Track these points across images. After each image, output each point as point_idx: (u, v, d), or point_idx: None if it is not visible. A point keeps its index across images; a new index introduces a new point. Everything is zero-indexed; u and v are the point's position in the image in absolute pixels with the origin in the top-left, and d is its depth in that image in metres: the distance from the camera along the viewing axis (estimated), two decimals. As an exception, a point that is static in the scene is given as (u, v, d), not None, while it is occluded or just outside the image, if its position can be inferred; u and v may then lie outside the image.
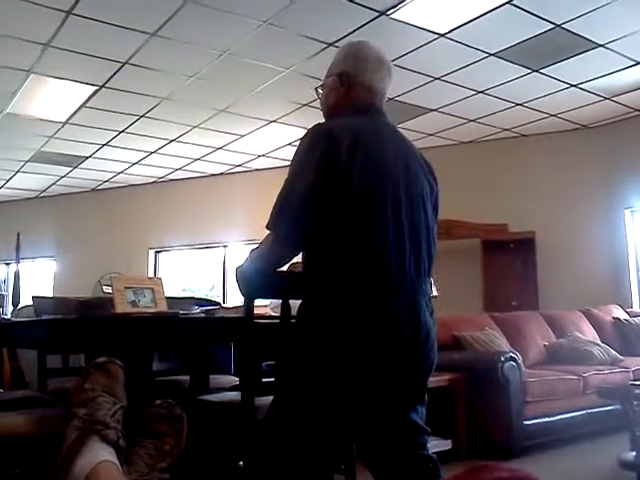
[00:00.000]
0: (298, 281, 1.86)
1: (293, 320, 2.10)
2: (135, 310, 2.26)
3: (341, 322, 1.63)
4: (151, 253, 9.49)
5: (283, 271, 2.10)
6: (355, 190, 1.65)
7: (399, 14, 4.49)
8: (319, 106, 2.02)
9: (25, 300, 3.92)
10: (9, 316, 3.14)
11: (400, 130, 1.92)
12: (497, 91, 6.05)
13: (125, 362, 1.73)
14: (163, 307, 2.39)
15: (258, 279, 1.95)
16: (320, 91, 1.99)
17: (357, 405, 1.67)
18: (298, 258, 2.03)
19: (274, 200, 1.73)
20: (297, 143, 1.76)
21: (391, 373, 1.66)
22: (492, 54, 5.21)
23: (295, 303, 2.12)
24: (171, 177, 9.21)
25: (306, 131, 1.77)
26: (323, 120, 1.91)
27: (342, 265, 1.66)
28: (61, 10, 4.32)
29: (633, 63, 5.44)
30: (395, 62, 4.82)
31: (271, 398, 2.12)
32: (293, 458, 1.65)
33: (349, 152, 1.66)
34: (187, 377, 2.76)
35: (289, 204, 1.69)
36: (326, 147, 1.67)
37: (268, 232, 1.76)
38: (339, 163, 1.65)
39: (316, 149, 1.69)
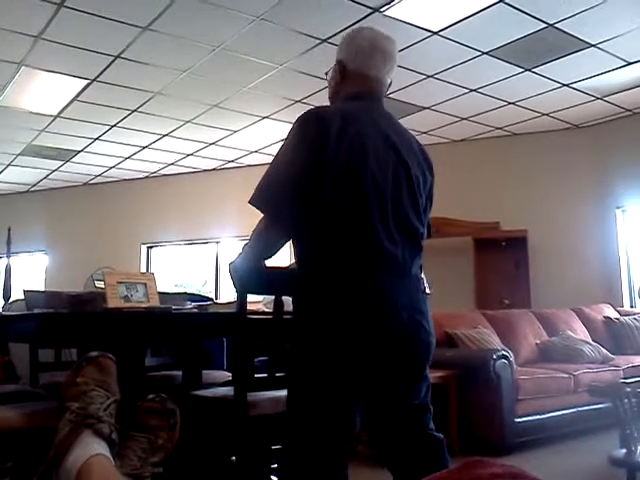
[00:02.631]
0: (291, 277, 1.86)
1: (286, 316, 2.11)
2: (128, 305, 2.25)
3: (338, 303, 1.66)
4: (143, 248, 9.46)
5: (275, 267, 2.11)
6: (341, 173, 1.68)
7: (392, 11, 4.49)
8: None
9: (16, 294, 3.90)
10: (0, 310, 3.13)
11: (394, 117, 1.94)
12: (489, 89, 6.07)
13: (118, 357, 1.72)
14: (156, 302, 2.38)
15: (250, 275, 1.96)
16: (329, 75, 2.03)
17: (361, 384, 1.69)
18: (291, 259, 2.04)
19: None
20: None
21: (390, 352, 1.68)
22: (485, 52, 5.22)
23: (288, 299, 2.12)
24: (163, 172, 9.18)
25: (299, 115, 1.80)
26: None
27: (333, 248, 1.68)
28: (53, 2, 4.28)
29: (624, 63, 5.47)
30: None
31: (264, 393, 2.14)
32: (310, 447, 1.68)
33: (338, 135, 1.69)
34: (180, 372, 2.76)
35: (279, 180, 1.72)
36: (316, 130, 1.71)
37: (258, 221, 1.77)
38: (328, 146, 1.68)
39: (307, 131, 1.73)
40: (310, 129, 1.73)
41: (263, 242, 1.81)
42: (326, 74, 2.05)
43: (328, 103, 2.03)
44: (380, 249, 1.68)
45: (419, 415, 1.79)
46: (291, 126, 1.79)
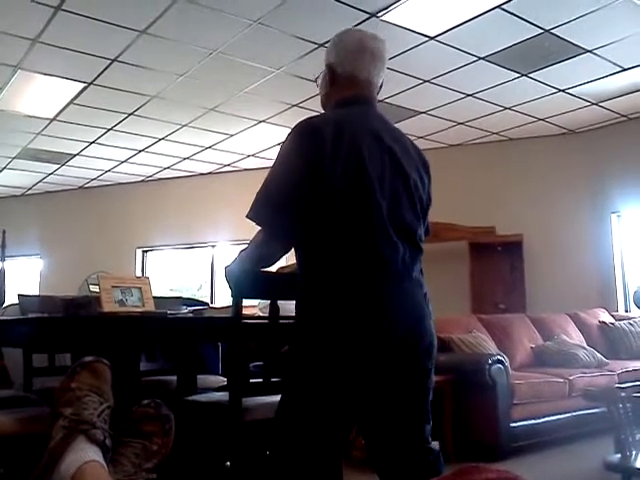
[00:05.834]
0: (287, 282, 1.86)
1: (282, 321, 2.10)
2: (122, 309, 2.25)
3: (339, 312, 1.65)
4: (139, 252, 9.44)
5: (271, 271, 2.10)
6: (338, 184, 1.67)
7: (390, 16, 4.49)
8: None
9: (10, 298, 3.89)
10: (-6, 314, 3.11)
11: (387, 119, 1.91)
12: (486, 94, 6.08)
13: (112, 362, 1.71)
14: (151, 307, 2.38)
15: (245, 279, 1.95)
16: (319, 81, 2.01)
17: (360, 390, 1.68)
18: (284, 261, 2.03)
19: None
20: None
21: (391, 362, 1.68)
22: (481, 58, 5.23)
23: (283, 304, 2.12)
24: (159, 176, 9.16)
25: (293, 126, 1.79)
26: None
27: (332, 257, 1.68)
28: (50, 5, 4.28)
29: (620, 69, 5.49)
30: (385, 64, 4.82)
31: (259, 398, 2.13)
32: (302, 450, 1.67)
33: (333, 145, 1.68)
34: (174, 377, 2.75)
35: (276, 195, 1.71)
36: (311, 141, 1.70)
37: (257, 231, 1.76)
38: (324, 157, 1.67)
39: (302, 143, 1.72)
40: (305, 141, 1.72)
41: (260, 254, 1.81)
42: (316, 79, 2.03)
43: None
44: (380, 257, 1.67)
45: (417, 426, 1.77)
46: (286, 137, 1.78)
